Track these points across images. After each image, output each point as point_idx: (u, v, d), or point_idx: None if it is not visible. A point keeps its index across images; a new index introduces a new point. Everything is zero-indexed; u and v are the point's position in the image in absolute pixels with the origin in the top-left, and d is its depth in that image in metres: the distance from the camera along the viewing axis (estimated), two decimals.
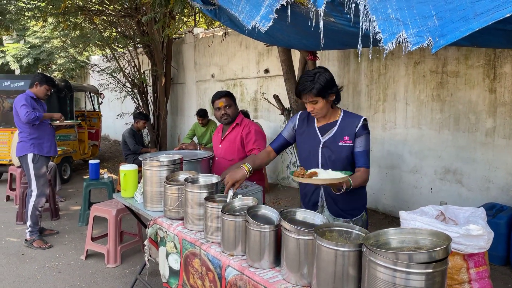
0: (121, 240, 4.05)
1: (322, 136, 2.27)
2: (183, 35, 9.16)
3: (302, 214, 1.83)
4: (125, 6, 7.77)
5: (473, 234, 1.56)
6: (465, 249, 1.59)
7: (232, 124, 3.05)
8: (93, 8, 7.92)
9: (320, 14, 1.69)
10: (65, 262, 3.93)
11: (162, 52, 8.30)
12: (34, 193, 4.28)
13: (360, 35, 1.57)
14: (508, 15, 1.20)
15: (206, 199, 2.11)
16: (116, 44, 8.90)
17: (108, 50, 8.79)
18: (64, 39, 9.69)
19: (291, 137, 2.46)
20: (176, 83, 9.50)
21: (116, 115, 9.28)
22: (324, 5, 1.68)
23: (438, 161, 4.70)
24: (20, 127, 4.25)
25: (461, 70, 4.40)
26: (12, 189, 6.15)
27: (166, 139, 8.91)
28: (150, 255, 2.59)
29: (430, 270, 1.19)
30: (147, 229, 2.55)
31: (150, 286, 3.00)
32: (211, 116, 7.00)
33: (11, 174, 6.18)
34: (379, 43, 1.51)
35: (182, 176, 2.53)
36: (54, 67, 12.96)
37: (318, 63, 4.62)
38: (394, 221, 4.96)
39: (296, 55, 5.12)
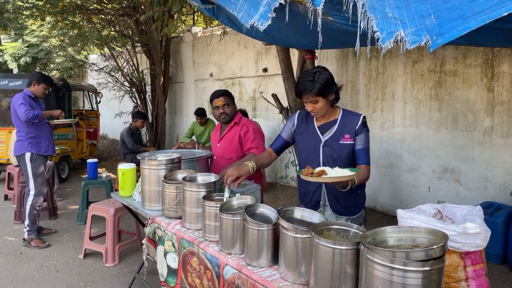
0: (119, 239, 4.05)
1: (322, 135, 2.27)
2: (182, 34, 9.14)
3: (300, 212, 1.83)
4: (124, 4, 7.75)
5: (470, 232, 1.57)
6: (462, 247, 1.59)
7: (230, 123, 3.05)
8: (91, 7, 7.89)
9: (318, 13, 1.70)
10: (63, 261, 3.92)
11: (160, 51, 8.28)
12: (32, 192, 4.27)
13: (358, 34, 1.57)
14: (506, 14, 1.20)
15: (204, 197, 2.12)
16: (115, 43, 8.88)
17: (106, 49, 8.77)
18: (62, 38, 9.67)
19: (290, 138, 2.47)
20: (175, 82, 9.49)
21: (114, 114, 9.26)
22: (322, 4, 1.68)
23: (436, 160, 4.71)
24: (18, 126, 4.24)
25: (459, 69, 4.40)
26: (10, 188, 6.14)
27: (165, 138, 8.90)
28: (148, 254, 2.60)
29: (427, 268, 1.19)
30: (145, 228, 2.55)
31: (148, 285, 3.00)
32: (209, 115, 6.99)
33: (9, 173, 6.17)
34: (377, 42, 1.52)
35: (180, 175, 2.53)
36: (52, 66, 12.92)
37: (316, 62, 4.63)
38: (392, 220, 4.97)
39: (294, 54, 5.12)
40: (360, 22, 1.54)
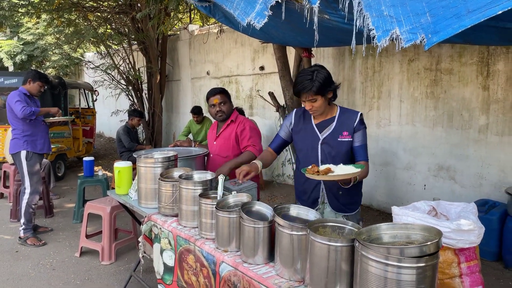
0: (116, 237, 4.05)
1: (320, 133, 2.29)
2: (178, 32, 9.12)
3: (296, 210, 1.84)
4: (120, 2, 7.72)
5: (464, 229, 1.58)
6: (456, 243, 1.60)
7: (227, 121, 3.05)
8: (87, 5, 7.86)
9: (315, 11, 1.70)
10: (59, 260, 3.92)
11: (157, 49, 8.26)
12: (28, 190, 4.26)
13: (354, 32, 1.57)
14: (500, 12, 1.21)
15: (201, 195, 2.12)
16: (111, 41, 8.84)
17: (102, 47, 8.73)
18: (58, 35, 9.63)
19: (288, 136, 2.48)
20: (171, 80, 9.47)
21: (110, 112, 9.24)
22: (319, 2, 1.68)
23: (431, 158, 4.74)
24: (14, 124, 4.22)
25: (455, 68, 4.42)
26: (5, 187, 6.11)
27: (161, 136, 8.89)
28: (144, 252, 2.60)
29: (421, 264, 1.20)
30: (141, 226, 2.55)
31: (144, 282, 3.00)
32: (206, 113, 6.99)
33: (4, 172, 6.14)
34: (373, 40, 1.52)
35: (176, 173, 2.53)
36: (48, 64, 12.87)
37: (313, 60, 4.63)
38: (388, 218, 4.99)
39: (291, 52, 5.12)
40: (356, 20, 1.55)
